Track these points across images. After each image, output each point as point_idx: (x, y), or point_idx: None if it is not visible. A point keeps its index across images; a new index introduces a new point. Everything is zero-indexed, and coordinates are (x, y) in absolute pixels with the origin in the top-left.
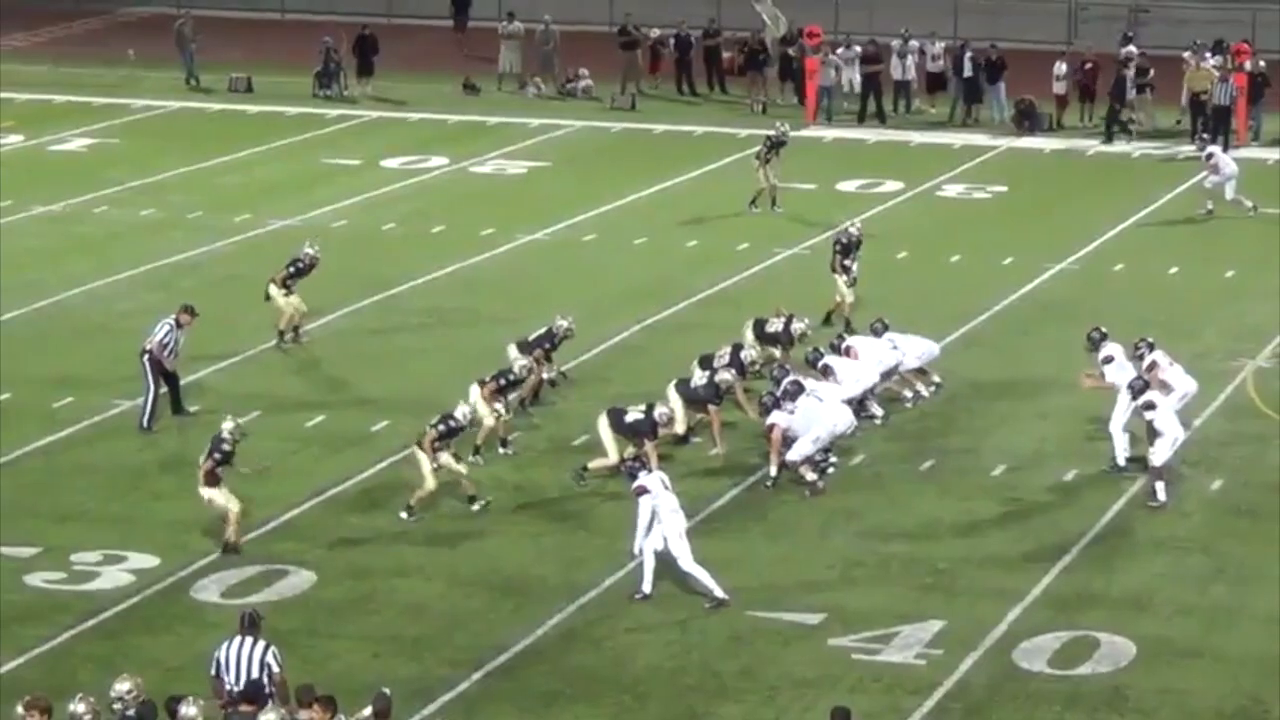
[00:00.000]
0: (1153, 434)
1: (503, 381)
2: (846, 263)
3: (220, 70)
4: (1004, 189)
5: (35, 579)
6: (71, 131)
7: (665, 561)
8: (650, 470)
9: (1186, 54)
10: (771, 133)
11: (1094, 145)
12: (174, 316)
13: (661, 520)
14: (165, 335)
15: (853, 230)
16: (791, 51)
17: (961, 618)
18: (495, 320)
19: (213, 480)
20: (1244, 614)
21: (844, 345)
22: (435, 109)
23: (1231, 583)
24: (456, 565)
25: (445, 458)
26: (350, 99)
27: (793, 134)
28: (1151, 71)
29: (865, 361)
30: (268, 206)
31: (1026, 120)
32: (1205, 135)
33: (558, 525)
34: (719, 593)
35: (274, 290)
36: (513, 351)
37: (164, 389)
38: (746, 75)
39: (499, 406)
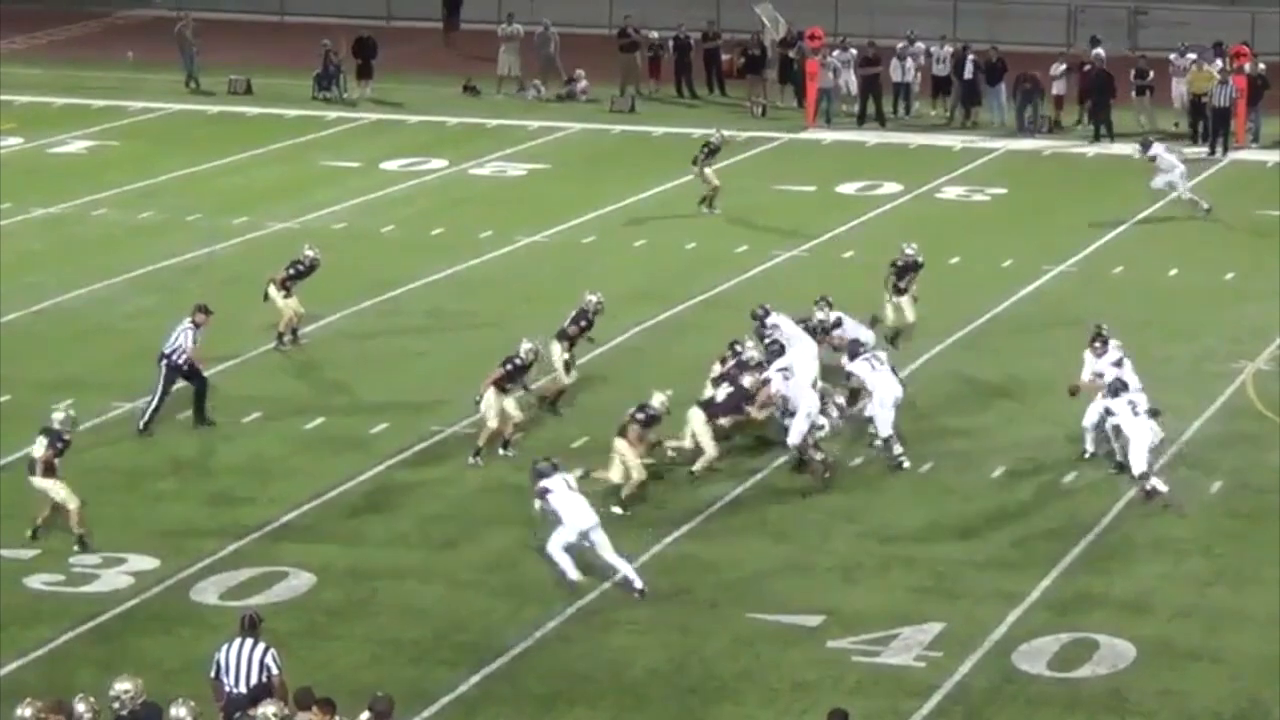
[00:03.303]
0: (1121, 439)
1: (509, 368)
2: (901, 284)
3: (220, 72)
4: (1003, 191)
5: (35, 581)
6: (71, 134)
7: (664, 567)
8: (555, 473)
9: (1172, 55)
10: (713, 136)
11: (1094, 147)
12: (190, 318)
13: (565, 521)
14: (179, 338)
15: (909, 251)
16: (792, 54)
17: (961, 620)
18: (495, 322)
19: (50, 471)
20: (1244, 616)
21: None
22: (435, 111)
23: (1231, 584)
24: (455, 567)
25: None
26: (350, 101)
27: (795, 136)
28: (1151, 74)
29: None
30: (267, 209)
31: (1027, 95)
32: (1201, 140)
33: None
34: (639, 584)
35: (273, 291)
36: (555, 348)
37: (167, 395)
38: (746, 78)
39: (508, 406)
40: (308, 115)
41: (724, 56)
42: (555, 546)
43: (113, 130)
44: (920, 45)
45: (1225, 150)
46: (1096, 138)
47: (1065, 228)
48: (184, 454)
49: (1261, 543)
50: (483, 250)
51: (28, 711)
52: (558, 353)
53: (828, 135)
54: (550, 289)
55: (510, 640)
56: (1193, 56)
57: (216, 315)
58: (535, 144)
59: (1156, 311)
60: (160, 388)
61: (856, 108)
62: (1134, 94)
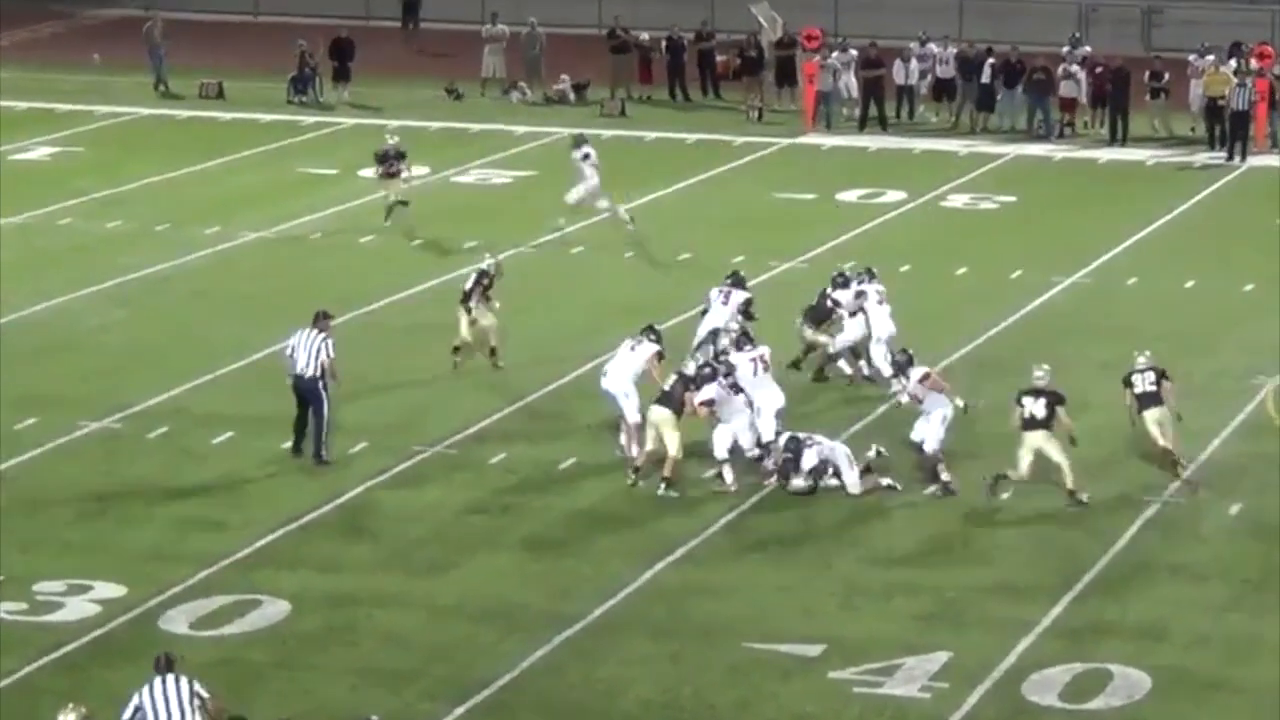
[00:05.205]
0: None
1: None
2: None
3: (190, 75)
4: (1012, 199)
5: None
6: (34, 140)
7: (657, 593)
8: None
9: (1192, 57)
10: (387, 143)
11: (1106, 152)
12: (315, 328)
13: None
14: (318, 351)
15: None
16: (795, 54)
17: (969, 649)
18: None
19: None
20: (1264, 644)
21: None
22: (415, 116)
23: (1251, 611)
24: (437, 594)
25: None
26: (326, 105)
27: (794, 141)
28: (1166, 76)
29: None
30: (240, 218)
31: (1039, 90)
32: (1219, 145)
33: (543, 552)
34: None
35: (476, 310)
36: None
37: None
38: (742, 80)
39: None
40: (282, 120)
41: (719, 58)
42: None
43: (78, 136)
44: (932, 47)
45: (1244, 156)
46: (1112, 140)
47: (1077, 237)
48: (153, 476)
49: None
50: (466, 262)
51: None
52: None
53: (828, 140)
54: (537, 301)
55: (496, 670)
56: (1211, 58)
57: (186, 330)
58: (521, 150)
59: (1172, 324)
60: (319, 407)
61: (858, 111)
62: (1148, 97)
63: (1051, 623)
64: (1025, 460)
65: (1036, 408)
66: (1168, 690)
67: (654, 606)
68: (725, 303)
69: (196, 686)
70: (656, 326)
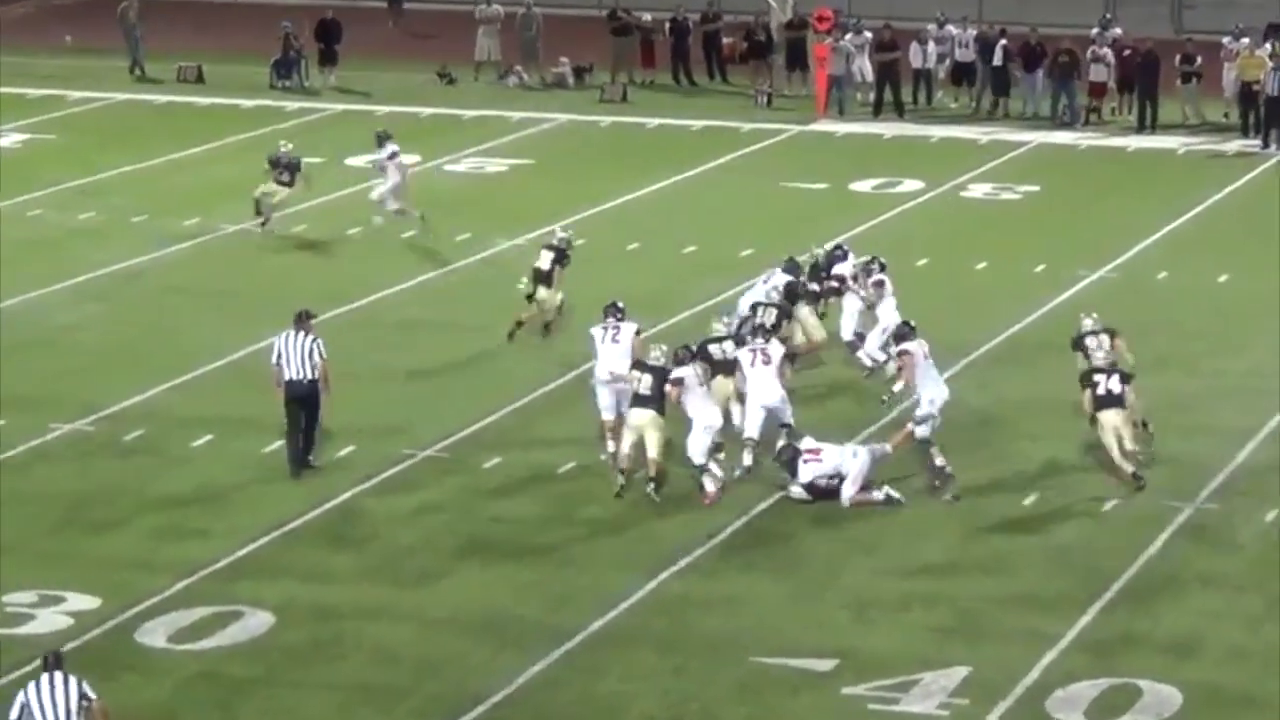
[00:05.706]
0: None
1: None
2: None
3: (168, 59)
4: (1035, 188)
5: None
6: (3, 126)
7: (660, 605)
8: None
9: (1225, 40)
10: (281, 150)
11: (1135, 139)
12: (299, 329)
13: None
14: (311, 353)
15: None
16: (806, 36)
17: (989, 663)
18: (472, 335)
19: None
20: None
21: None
22: (406, 101)
23: None
24: (428, 606)
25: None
26: (312, 90)
27: (804, 128)
28: (1198, 59)
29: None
30: (220, 209)
31: (1063, 73)
32: (1254, 132)
33: (539, 561)
34: None
35: (543, 293)
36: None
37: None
38: (749, 63)
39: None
40: (265, 106)
41: (725, 40)
42: None
43: (49, 122)
44: (951, 29)
45: (1279, 144)
46: (1141, 127)
47: (1104, 229)
48: (128, 481)
49: None
50: (460, 255)
51: None
52: (807, 314)
53: (840, 127)
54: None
55: (490, 686)
56: (1246, 40)
57: (164, 327)
58: (517, 137)
59: (1205, 321)
60: (315, 412)
61: (872, 96)
62: (1179, 82)
63: (1077, 635)
64: (1113, 442)
65: (1112, 383)
66: (1200, 706)
67: (657, 618)
68: (766, 282)
69: (85, 687)
70: (618, 303)
